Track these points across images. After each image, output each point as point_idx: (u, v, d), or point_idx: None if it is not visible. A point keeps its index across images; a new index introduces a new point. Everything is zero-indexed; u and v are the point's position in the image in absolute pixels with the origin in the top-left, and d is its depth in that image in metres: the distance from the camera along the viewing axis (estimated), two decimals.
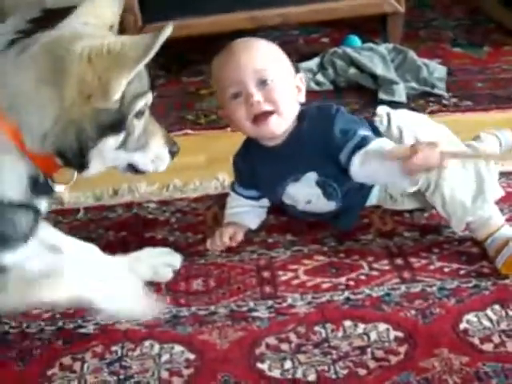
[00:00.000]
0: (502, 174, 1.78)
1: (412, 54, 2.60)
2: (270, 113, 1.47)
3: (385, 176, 1.45)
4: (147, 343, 1.37)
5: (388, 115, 1.64)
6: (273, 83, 1.47)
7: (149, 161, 1.33)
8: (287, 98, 1.50)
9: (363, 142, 1.43)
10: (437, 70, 2.55)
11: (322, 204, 1.57)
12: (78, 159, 1.18)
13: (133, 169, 1.33)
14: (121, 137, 1.21)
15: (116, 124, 1.19)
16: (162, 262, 1.51)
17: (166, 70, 2.84)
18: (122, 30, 2.33)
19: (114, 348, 1.36)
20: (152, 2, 2.42)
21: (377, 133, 1.59)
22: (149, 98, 1.25)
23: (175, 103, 2.51)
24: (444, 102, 2.41)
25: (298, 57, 2.81)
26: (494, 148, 1.85)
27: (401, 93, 2.40)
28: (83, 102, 1.12)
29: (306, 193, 1.56)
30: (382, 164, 1.41)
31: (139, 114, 1.24)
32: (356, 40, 2.78)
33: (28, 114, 1.13)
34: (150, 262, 1.50)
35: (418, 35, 3.06)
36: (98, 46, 1.12)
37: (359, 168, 1.45)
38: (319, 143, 1.50)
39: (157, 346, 1.36)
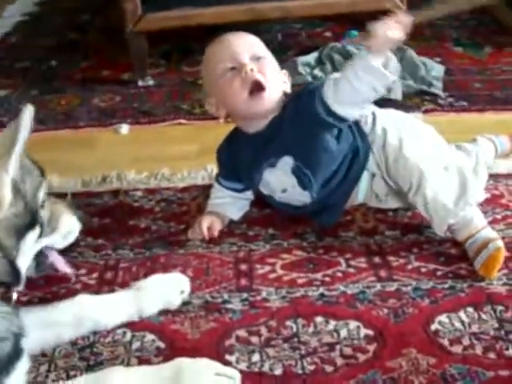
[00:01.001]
0: (490, 176, 1.80)
1: (411, 51, 2.60)
2: (263, 88, 1.51)
3: (360, 78, 1.48)
4: (120, 331, 1.38)
5: (373, 115, 1.65)
6: (265, 60, 1.55)
7: (62, 239, 1.38)
8: (276, 77, 1.57)
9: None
10: (434, 69, 2.56)
11: (298, 194, 1.59)
12: (10, 273, 1.22)
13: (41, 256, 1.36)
14: (37, 230, 1.25)
15: (30, 221, 1.23)
16: (172, 288, 1.45)
17: (167, 59, 2.85)
18: (123, 18, 2.36)
19: (86, 334, 1.36)
20: None
21: (361, 131, 1.59)
22: (45, 186, 1.30)
23: (173, 92, 2.54)
24: (440, 101, 2.41)
25: (299, 50, 2.84)
26: (489, 153, 1.85)
27: (396, 91, 2.40)
28: None
29: (281, 180, 1.59)
30: (352, 68, 1.48)
31: (42, 204, 1.28)
32: (356, 35, 2.77)
33: None
34: (160, 291, 1.43)
35: (421, 33, 3.03)
36: None
37: (333, 94, 1.50)
38: (299, 123, 1.54)
39: (129, 334, 1.37)
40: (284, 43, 2.96)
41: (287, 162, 1.55)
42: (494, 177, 1.83)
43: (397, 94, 2.40)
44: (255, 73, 1.50)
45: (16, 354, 1.14)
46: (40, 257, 1.35)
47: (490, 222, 1.64)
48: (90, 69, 2.81)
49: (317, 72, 2.56)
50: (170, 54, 2.90)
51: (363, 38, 1.46)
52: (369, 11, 2.65)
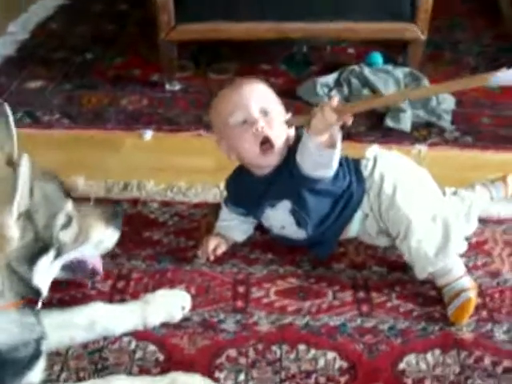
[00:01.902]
0: (479, 220, 1.93)
1: (426, 82, 2.72)
2: (272, 145, 1.67)
3: (303, 155, 1.63)
4: (126, 339, 1.58)
5: (374, 160, 1.80)
6: (273, 114, 1.68)
7: (94, 249, 1.47)
8: (282, 129, 1.69)
9: None
10: (446, 101, 2.64)
11: (294, 231, 1.77)
12: (30, 291, 1.32)
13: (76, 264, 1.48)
14: (51, 254, 1.32)
15: (42, 247, 1.29)
16: (175, 304, 1.62)
17: (195, 62, 2.98)
18: (157, 28, 2.52)
19: (97, 339, 1.56)
20: (187, 3, 2.55)
21: (359, 175, 1.75)
22: (68, 208, 1.35)
23: (197, 100, 2.66)
24: (446, 134, 2.51)
25: (322, 65, 2.96)
26: (484, 200, 1.99)
27: (406, 121, 2.53)
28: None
29: (280, 219, 1.76)
30: (301, 147, 1.62)
31: (65, 226, 1.34)
32: (378, 58, 2.90)
33: None
34: (164, 305, 1.60)
35: (441, 56, 3.14)
36: None
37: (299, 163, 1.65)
38: (293, 174, 1.68)
39: (133, 343, 1.57)
40: (308, 57, 3.08)
41: (286, 204, 1.73)
42: (482, 221, 1.96)
43: (406, 125, 2.52)
44: (265, 129, 1.64)
45: (36, 355, 1.34)
46: (79, 263, 1.48)
47: (471, 268, 1.81)
48: (122, 66, 2.95)
49: (334, 93, 2.69)
50: (198, 56, 3.01)
51: (304, 121, 1.57)
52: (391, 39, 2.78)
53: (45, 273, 1.34)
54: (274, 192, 1.72)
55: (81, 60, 3.00)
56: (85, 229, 1.41)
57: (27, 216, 1.25)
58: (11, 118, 1.36)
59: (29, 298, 1.34)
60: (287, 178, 1.70)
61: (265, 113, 1.67)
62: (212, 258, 1.79)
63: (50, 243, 1.31)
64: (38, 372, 1.36)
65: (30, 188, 1.24)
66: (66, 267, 1.45)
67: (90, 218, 1.43)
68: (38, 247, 1.29)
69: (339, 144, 1.58)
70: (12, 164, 1.33)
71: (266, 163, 1.69)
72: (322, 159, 1.59)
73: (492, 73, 1.41)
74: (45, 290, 1.37)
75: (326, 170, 1.65)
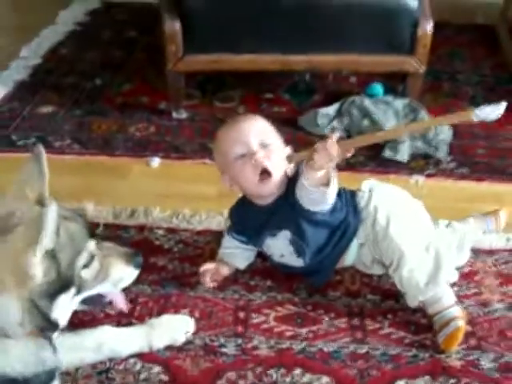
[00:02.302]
0: (472, 251, 2.03)
1: (424, 113, 2.80)
2: (269, 174, 1.76)
3: (305, 190, 1.73)
4: (132, 360, 1.67)
5: (370, 192, 1.90)
6: (271, 147, 1.78)
7: (113, 286, 1.52)
8: (281, 161, 1.79)
9: None
10: (443, 132, 2.72)
11: (293, 260, 1.87)
12: (48, 324, 1.38)
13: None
14: (71, 291, 1.39)
15: (63, 285, 1.36)
16: (179, 328, 1.71)
17: (202, 90, 3.09)
18: (164, 58, 2.63)
19: (104, 360, 1.66)
20: (194, 35, 2.65)
21: (355, 206, 1.86)
22: (91, 247, 1.42)
23: (203, 129, 2.77)
24: (442, 166, 2.60)
25: (324, 94, 3.06)
26: (477, 234, 2.09)
27: (404, 152, 2.62)
28: (23, 287, 1.31)
29: (280, 248, 1.86)
30: (299, 183, 1.71)
31: (87, 264, 1.41)
32: (379, 88, 2.99)
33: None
34: (168, 329, 1.70)
35: (440, 87, 3.23)
36: (16, 239, 1.31)
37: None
38: (292, 206, 1.79)
39: (139, 365, 1.66)
40: (311, 85, 3.18)
41: (286, 234, 1.82)
42: (474, 252, 2.05)
43: (403, 156, 2.61)
44: (264, 160, 1.74)
45: (51, 378, 1.44)
46: (97, 297, 1.55)
47: (462, 297, 1.90)
48: (130, 93, 3.04)
49: (335, 124, 2.79)
50: (205, 85, 3.11)
51: (305, 157, 1.68)
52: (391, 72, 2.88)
53: (64, 308, 1.41)
54: (274, 222, 1.82)
55: (90, 86, 3.10)
56: (105, 267, 1.47)
57: (52, 255, 1.32)
58: (44, 159, 1.45)
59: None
60: (287, 209, 1.80)
61: (263, 145, 1.77)
62: (210, 287, 1.89)
63: (72, 281, 1.38)
64: None
65: (57, 228, 1.30)
66: (84, 300, 1.52)
67: (110, 256, 1.49)
68: (60, 285, 1.35)
69: (335, 181, 1.67)
70: (41, 203, 1.42)
71: (265, 192, 1.80)
72: (316, 196, 1.70)
73: (472, 109, 1.59)
74: (62, 323, 1.43)
75: (323, 206, 1.73)
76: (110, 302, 1.61)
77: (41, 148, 1.46)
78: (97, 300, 1.56)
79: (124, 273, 1.51)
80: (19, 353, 1.36)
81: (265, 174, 1.76)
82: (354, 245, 1.89)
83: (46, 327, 1.39)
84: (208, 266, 1.90)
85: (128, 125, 2.79)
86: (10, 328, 1.34)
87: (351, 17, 2.69)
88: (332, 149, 1.61)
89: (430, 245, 1.84)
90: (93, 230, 1.49)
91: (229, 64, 2.74)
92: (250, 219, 1.86)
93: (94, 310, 1.73)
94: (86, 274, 1.42)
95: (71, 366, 1.59)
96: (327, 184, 1.67)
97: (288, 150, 1.84)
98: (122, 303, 1.64)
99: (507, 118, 2.85)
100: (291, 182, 1.80)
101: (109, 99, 3.00)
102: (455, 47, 3.60)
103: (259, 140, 1.76)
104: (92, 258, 1.42)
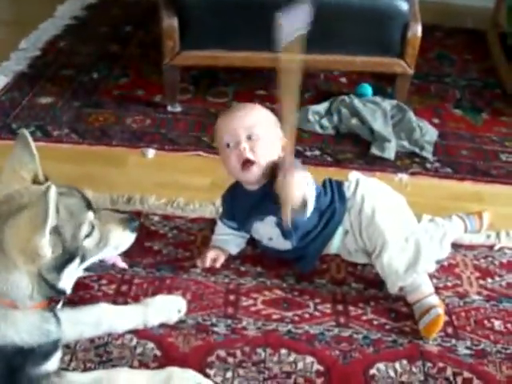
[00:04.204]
0: (452, 246, 2.12)
1: (410, 114, 2.90)
2: (252, 163, 1.86)
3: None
4: (128, 336, 1.76)
5: (357, 182, 2.01)
6: (257, 139, 1.86)
7: (113, 251, 1.59)
8: (267, 151, 1.88)
9: None
10: (429, 133, 2.84)
11: (281, 242, 1.97)
12: (56, 292, 1.48)
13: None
14: (76, 261, 1.46)
15: (69, 257, 1.44)
16: (172, 307, 1.79)
17: (195, 84, 3.17)
18: (160, 53, 2.71)
19: (102, 335, 1.76)
20: (191, 32, 2.73)
21: (341, 194, 1.97)
22: (90, 218, 1.48)
23: (196, 122, 2.85)
24: (427, 165, 2.69)
25: (315, 93, 3.15)
26: (458, 230, 2.18)
27: (390, 151, 2.72)
28: (31, 264, 1.39)
29: (268, 231, 1.96)
30: None
31: (88, 235, 1.48)
32: (368, 89, 3.09)
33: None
34: (162, 308, 1.78)
35: (427, 89, 3.32)
36: (22, 222, 1.38)
37: None
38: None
39: (134, 340, 1.75)
40: (303, 84, 3.26)
41: (273, 219, 1.92)
42: (454, 247, 2.15)
43: (390, 154, 2.71)
44: (247, 151, 1.82)
45: (55, 348, 1.53)
46: (101, 262, 1.63)
47: (441, 288, 1.99)
48: (126, 86, 3.12)
49: (324, 122, 2.88)
50: (199, 80, 3.20)
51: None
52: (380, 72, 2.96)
53: (70, 277, 1.50)
54: (262, 208, 1.92)
55: (88, 79, 3.18)
56: (105, 234, 1.53)
57: (55, 232, 1.39)
58: (32, 141, 1.53)
59: (53, 299, 1.52)
60: (273, 198, 1.87)
61: (250, 137, 1.86)
62: (208, 266, 1.98)
63: (76, 252, 1.45)
64: (54, 362, 1.54)
65: (56, 206, 1.37)
66: (89, 267, 1.61)
67: (109, 223, 1.55)
68: (66, 257, 1.43)
69: (311, 201, 1.82)
70: (38, 182, 1.51)
71: (248, 179, 1.90)
72: (294, 214, 1.81)
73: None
74: (68, 290, 1.52)
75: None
76: (113, 265, 1.69)
77: (25, 131, 1.54)
78: (99, 265, 1.63)
79: (122, 238, 1.58)
80: (26, 324, 1.45)
81: (247, 163, 1.85)
82: (339, 232, 1.99)
83: (53, 296, 1.49)
84: (211, 254, 2.00)
85: (124, 117, 2.86)
86: (20, 301, 1.43)
87: (343, 19, 2.78)
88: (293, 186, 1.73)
89: (412, 235, 1.94)
90: (89, 200, 1.55)
91: (224, 60, 2.82)
92: (240, 203, 1.97)
93: (98, 274, 1.82)
94: (88, 243, 1.49)
95: (71, 340, 1.68)
96: (305, 205, 1.79)
97: (282, 138, 1.91)
98: (122, 264, 1.71)
99: (492, 120, 3.04)
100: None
101: (106, 92, 3.07)
102: (444, 50, 3.70)
103: (248, 132, 1.86)
104: (92, 227, 1.49)
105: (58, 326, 1.51)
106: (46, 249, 1.37)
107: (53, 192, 1.35)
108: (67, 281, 1.49)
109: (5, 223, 1.40)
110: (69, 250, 1.43)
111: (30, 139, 1.53)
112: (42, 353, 1.47)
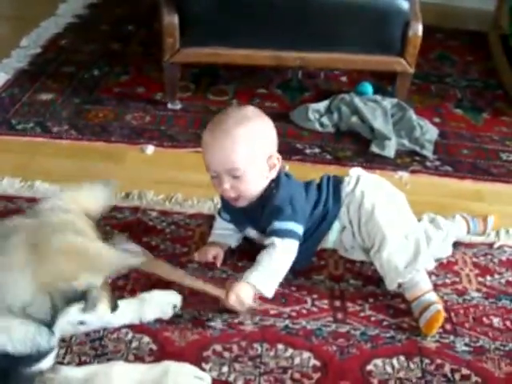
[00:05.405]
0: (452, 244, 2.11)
1: (411, 113, 2.90)
2: (235, 200, 1.89)
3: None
4: (123, 330, 1.75)
5: (357, 178, 2.00)
6: (241, 176, 1.85)
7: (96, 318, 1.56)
8: (252, 185, 1.88)
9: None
10: (429, 132, 2.83)
11: None
12: (48, 323, 1.42)
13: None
14: (81, 305, 1.43)
15: (81, 296, 1.41)
16: (167, 302, 1.78)
17: (196, 82, 3.17)
18: (161, 51, 2.72)
19: (98, 329, 1.74)
20: (191, 29, 2.73)
21: (337, 195, 1.96)
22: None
23: (196, 119, 2.85)
24: (427, 163, 2.69)
25: (315, 92, 3.15)
26: (461, 230, 2.16)
27: (390, 149, 2.71)
28: (54, 285, 1.35)
29: (258, 236, 1.98)
30: None
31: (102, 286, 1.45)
32: (368, 87, 3.09)
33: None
34: (158, 303, 1.77)
35: (428, 89, 3.33)
36: (79, 246, 1.37)
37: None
38: (264, 208, 1.90)
39: (130, 334, 1.74)
40: (303, 83, 3.28)
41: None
42: (454, 244, 2.14)
43: (390, 152, 2.71)
44: (229, 191, 1.84)
45: (43, 357, 1.50)
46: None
47: (440, 285, 1.98)
48: (127, 83, 3.13)
49: (324, 120, 2.88)
50: (199, 78, 3.21)
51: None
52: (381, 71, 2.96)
53: (66, 319, 1.48)
54: (251, 222, 1.97)
55: (88, 76, 3.18)
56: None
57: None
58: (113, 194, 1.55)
59: None
60: (259, 213, 1.93)
61: (233, 176, 1.85)
62: (210, 260, 1.99)
63: (89, 294, 1.45)
64: (49, 361, 1.52)
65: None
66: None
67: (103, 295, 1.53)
68: (81, 294, 1.43)
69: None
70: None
71: (236, 206, 1.92)
72: None
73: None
74: (56, 336, 1.50)
75: None
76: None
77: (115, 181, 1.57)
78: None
79: (105, 312, 1.54)
80: (19, 334, 1.41)
81: (232, 199, 1.89)
82: (336, 227, 1.99)
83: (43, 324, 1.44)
84: (212, 252, 2.00)
85: (124, 113, 2.87)
86: (14, 305, 1.39)
87: (344, 17, 2.79)
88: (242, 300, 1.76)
89: (411, 233, 1.93)
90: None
91: (224, 58, 2.82)
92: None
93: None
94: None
95: (67, 334, 1.66)
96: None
97: (277, 156, 1.92)
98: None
99: (493, 120, 3.04)
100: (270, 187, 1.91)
101: (106, 89, 3.08)
102: (446, 51, 3.71)
103: (230, 172, 1.82)
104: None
105: (49, 341, 1.46)
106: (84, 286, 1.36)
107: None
108: (61, 323, 1.47)
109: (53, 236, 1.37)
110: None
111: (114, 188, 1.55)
112: (34, 358, 1.45)
